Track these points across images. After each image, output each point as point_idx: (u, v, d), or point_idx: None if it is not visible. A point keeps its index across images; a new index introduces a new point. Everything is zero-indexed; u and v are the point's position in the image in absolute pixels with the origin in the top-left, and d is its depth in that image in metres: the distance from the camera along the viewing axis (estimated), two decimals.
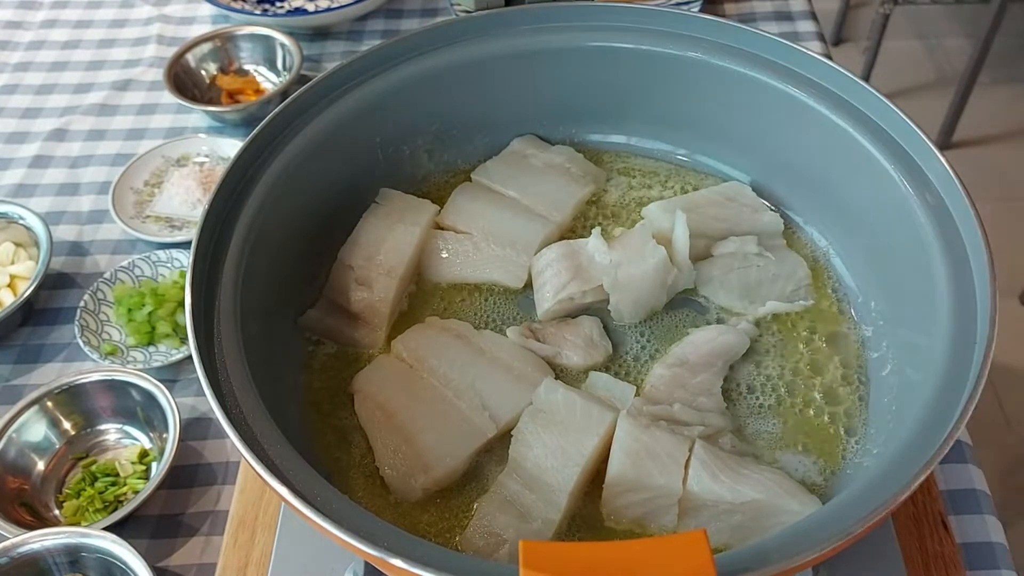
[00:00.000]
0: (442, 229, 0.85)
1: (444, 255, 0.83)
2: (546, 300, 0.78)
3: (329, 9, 1.32)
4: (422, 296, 0.83)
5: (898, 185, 0.71)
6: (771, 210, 0.84)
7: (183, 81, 1.24)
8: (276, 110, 0.76)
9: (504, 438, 0.71)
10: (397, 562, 0.50)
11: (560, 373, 0.76)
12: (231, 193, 0.72)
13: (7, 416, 0.85)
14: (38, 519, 0.82)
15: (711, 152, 0.90)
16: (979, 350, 0.60)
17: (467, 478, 0.70)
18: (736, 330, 0.76)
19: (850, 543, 0.52)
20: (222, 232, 0.70)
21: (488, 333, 0.77)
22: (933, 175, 0.70)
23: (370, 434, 0.72)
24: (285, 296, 0.78)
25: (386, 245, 0.81)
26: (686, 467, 0.64)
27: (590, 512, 0.68)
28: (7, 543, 0.75)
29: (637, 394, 0.73)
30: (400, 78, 0.82)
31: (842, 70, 0.77)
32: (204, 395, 0.59)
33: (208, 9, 1.43)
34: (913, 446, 0.57)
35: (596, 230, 0.79)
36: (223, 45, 1.28)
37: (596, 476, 0.68)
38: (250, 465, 0.55)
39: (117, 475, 0.85)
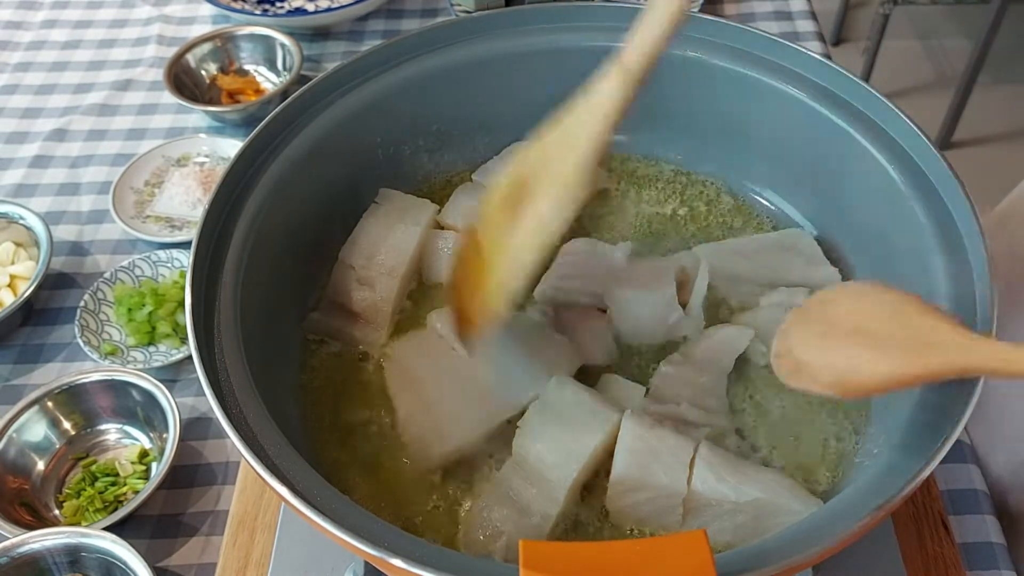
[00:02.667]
0: (443, 228, 0.85)
1: (444, 254, 0.83)
2: (547, 280, 0.77)
3: (329, 9, 1.32)
4: (425, 295, 0.83)
5: (898, 185, 0.71)
6: (830, 264, 0.79)
7: (183, 81, 1.24)
8: (276, 110, 0.76)
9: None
10: (397, 562, 0.50)
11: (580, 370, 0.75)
12: (231, 193, 0.72)
13: (7, 416, 0.85)
14: (38, 519, 0.82)
15: (710, 152, 0.90)
16: None
17: (470, 463, 0.71)
18: (738, 328, 0.76)
19: (849, 543, 0.52)
20: (222, 232, 0.69)
21: (521, 315, 0.77)
22: (933, 175, 0.70)
23: (395, 399, 0.73)
24: (285, 296, 0.78)
25: (387, 245, 0.81)
26: (691, 467, 0.64)
27: (590, 512, 0.68)
28: (7, 543, 0.75)
29: (644, 394, 0.73)
30: (400, 78, 0.82)
31: (841, 70, 0.77)
32: (204, 395, 0.59)
33: (208, 9, 1.43)
34: (913, 446, 0.57)
35: (626, 245, 0.78)
36: (223, 45, 1.28)
37: (597, 475, 0.68)
38: (250, 465, 0.55)
39: (117, 475, 0.85)
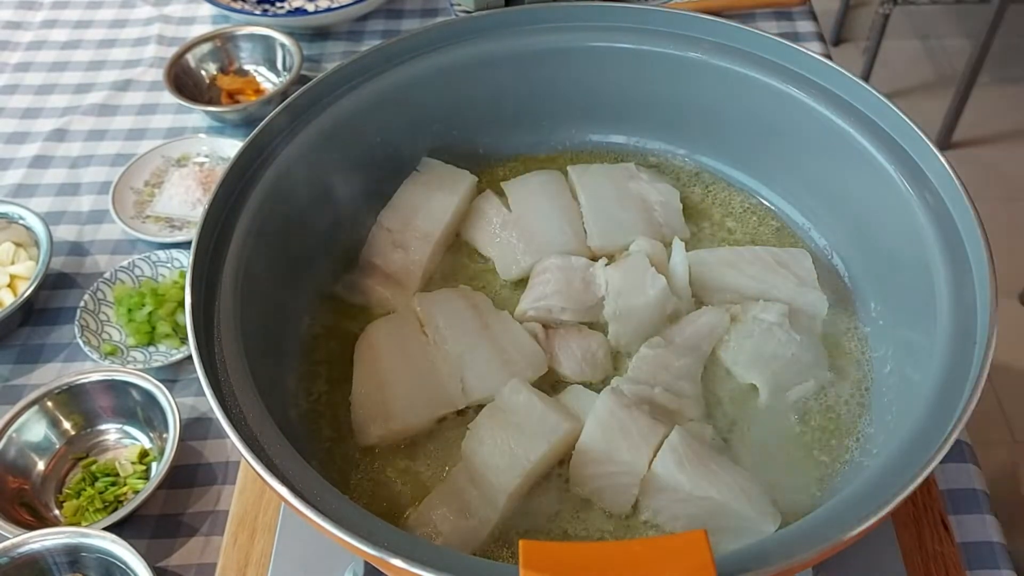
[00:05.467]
0: (499, 195, 0.86)
1: (477, 218, 0.85)
2: (526, 300, 0.78)
3: (329, 9, 1.32)
4: (458, 260, 0.85)
5: (898, 185, 0.71)
6: (819, 290, 0.78)
7: (183, 81, 1.24)
8: (276, 110, 0.76)
9: (479, 408, 0.71)
10: (397, 562, 0.50)
11: (552, 376, 0.75)
12: (230, 194, 0.72)
13: (7, 416, 0.85)
14: (38, 519, 0.82)
15: (710, 152, 0.90)
16: (979, 350, 0.60)
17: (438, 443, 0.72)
18: (716, 310, 0.76)
19: (850, 543, 0.52)
20: (222, 233, 0.69)
21: (505, 315, 0.77)
22: (933, 175, 0.70)
23: (355, 373, 0.74)
24: (285, 296, 0.78)
25: (424, 211, 0.83)
26: (656, 451, 0.65)
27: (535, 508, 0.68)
28: (7, 543, 0.75)
29: (623, 373, 0.73)
30: (399, 78, 0.82)
31: (841, 70, 0.77)
32: (204, 395, 0.59)
33: (208, 9, 1.43)
34: (913, 446, 0.57)
35: (602, 261, 0.79)
36: (223, 45, 1.28)
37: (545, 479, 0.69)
38: (250, 465, 0.55)
39: (117, 475, 0.85)
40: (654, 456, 0.65)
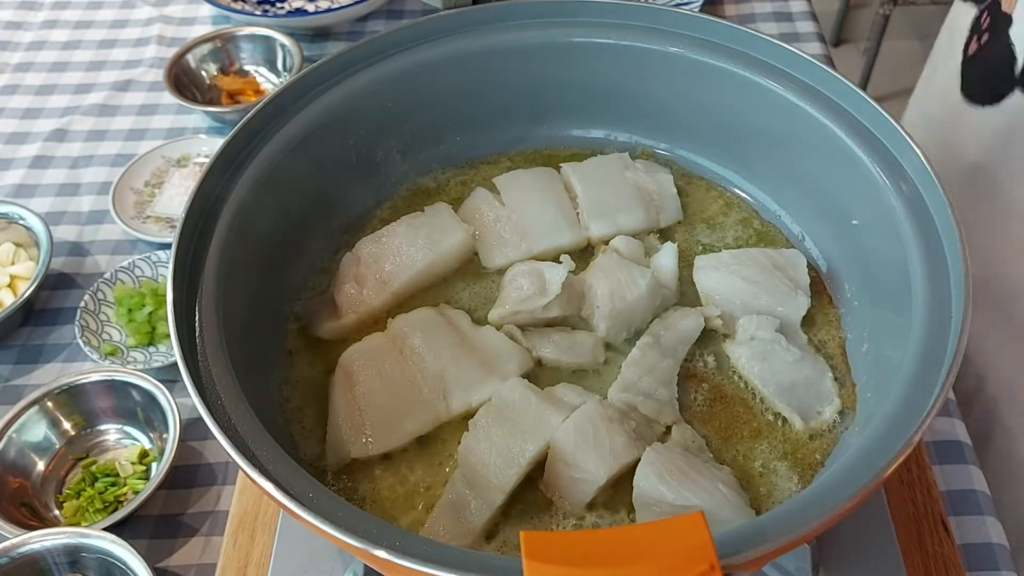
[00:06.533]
0: (495, 192, 0.86)
1: (472, 210, 0.84)
2: (500, 307, 0.77)
3: (329, 10, 1.33)
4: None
5: (872, 172, 0.72)
6: (806, 295, 0.78)
7: (183, 82, 1.24)
8: (249, 115, 0.75)
9: (463, 419, 0.71)
10: (396, 560, 0.50)
11: (541, 371, 0.75)
12: (207, 201, 0.71)
13: (7, 416, 0.85)
14: (38, 519, 0.82)
15: (686, 145, 0.90)
16: (955, 323, 0.60)
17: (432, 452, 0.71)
18: (693, 313, 0.76)
19: (842, 517, 0.52)
20: (200, 238, 0.69)
21: (486, 329, 0.76)
22: (905, 162, 0.71)
23: (331, 398, 0.72)
24: (267, 298, 0.77)
25: (395, 256, 0.80)
26: (624, 467, 0.66)
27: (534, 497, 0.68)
28: (7, 543, 0.75)
29: (615, 368, 0.73)
30: (371, 79, 0.81)
31: (811, 59, 0.77)
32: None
33: (208, 10, 1.43)
34: (897, 420, 0.57)
35: (567, 261, 0.78)
36: (223, 46, 1.29)
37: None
38: (250, 477, 0.55)
39: (117, 475, 0.85)
40: (619, 471, 0.66)
